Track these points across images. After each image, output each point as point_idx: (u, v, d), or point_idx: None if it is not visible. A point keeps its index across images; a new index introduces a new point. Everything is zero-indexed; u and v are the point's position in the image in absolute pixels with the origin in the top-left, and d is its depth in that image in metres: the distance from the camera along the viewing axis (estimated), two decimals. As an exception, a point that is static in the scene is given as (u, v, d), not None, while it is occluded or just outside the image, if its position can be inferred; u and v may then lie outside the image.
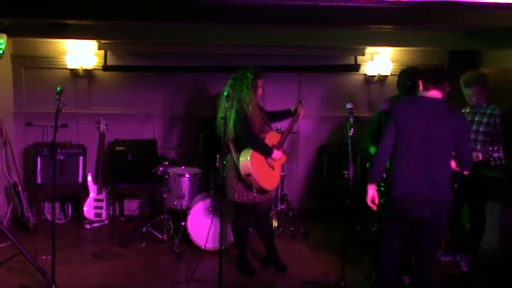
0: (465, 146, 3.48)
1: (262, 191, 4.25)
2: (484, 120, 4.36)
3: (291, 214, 5.59)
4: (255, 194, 4.24)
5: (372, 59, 6.08)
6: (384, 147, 3.49)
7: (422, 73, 3.54)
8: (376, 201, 3.58)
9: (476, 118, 4.42)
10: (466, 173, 3.58)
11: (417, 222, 3.45)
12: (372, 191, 3.56)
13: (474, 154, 3.72)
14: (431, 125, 3.36)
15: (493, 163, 3.68)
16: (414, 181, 3.38)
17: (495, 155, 3.64)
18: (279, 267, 4.46)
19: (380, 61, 6.02)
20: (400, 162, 3.44)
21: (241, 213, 4.39)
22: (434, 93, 3.43)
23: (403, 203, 3.42)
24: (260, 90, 4.30)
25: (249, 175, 4.14)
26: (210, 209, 4.80)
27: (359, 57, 6.06)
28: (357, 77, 6.21)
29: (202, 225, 4.79)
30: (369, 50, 5.97)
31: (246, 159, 4.14)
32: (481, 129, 4.36)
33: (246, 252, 4.51)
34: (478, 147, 4.30)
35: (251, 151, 4.16)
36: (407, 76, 4.06)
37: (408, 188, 3.39)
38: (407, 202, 3.41)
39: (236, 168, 4.22)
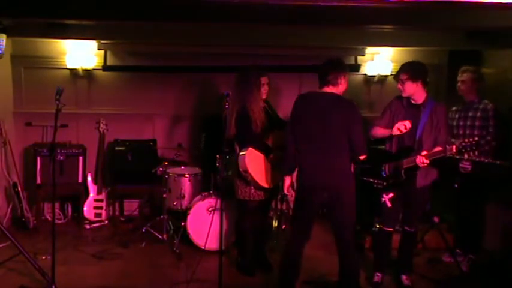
0: (355, 135, 3.62)
1: (259, 187, 4.27)
2: (478, 114, 4.40)
3: (291, 214, 5.58)
4: (253, 191, 4.26)
5: (372, 59, 6.08)
6: (290, 142, 3.78)
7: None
8: (292, 192, 3.87)
9: (470, 114, 4.46)
10: (361, 158, 3.72)
11: (319, 207, 3.82)
12: (288, 181, 3.89)
13: (448, 147, 3.69)
14: (324, 117, 3.62)
15: (466, 156, 3.66)
16: (312, 169, 3.67)
17: (468, 146, 3.59)
18: (266, 267, 4.48)
19: (380, 61, 6.02)
20: (301, 153, 3.73)
21: (245, 212, 4.39)
22: (326, 89, 3.70)
23: (304, 189, 3.74)
24: (265, 87, 4.34)
25: (245, 171, 4.19)
26: (210, 209, 4.79)
27: (359, 57, 6.06)
28: (357, 77, 6.20)
29: (202, 225, 4.78)
30: (369, 50, 5.97)
31: (243, 155, 4.20)
32: (476, 123, 4.39)
33: (247, 252, 4.51)
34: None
35: (249, 148, 4.21)
36: None
37: (308, 176, 3.70)
38: (307, 188, 3.72)
39: (238, 166, 4.26)
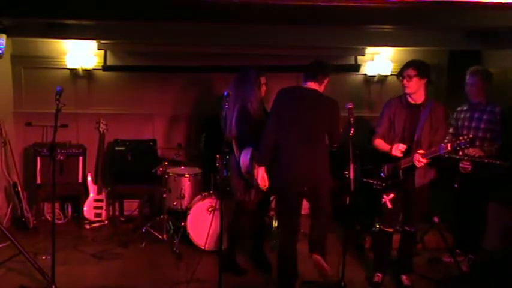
0: (335, 130, 3.87)
1: (260, 188, 4.26)
2: (485, 117, 4.37)
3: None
4: (253, 192, 4.25)
5: (372, 59, 6.08)
6: (268, 132, 3.89)
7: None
8: (266, 183, 3.94)
9: (476, 115, 4.42)
10: (335, 145, 3.97)
11: (301, 196, 3.91)
12: (261, 172, 3.95)
13: (443, 145, 3.68)
14: (311, 111, 3.82)
15: (460, 152, 3.66)
16: (300, 160, 3.79)
17: (462, 143, 3.58)
18: (265, 267, 4.46)
19: (380, 61, 6.02)
20: (281, 146, 3.85)
21: (241, 212, 4.37)
22: (311, 85, 3.89)
23: (287, 181, 3.85)
24: (264, 87, 4.36)
25: (248, 172, 4.17)
26: (210, 209, 4.79)
27: (359, 57, 6.06)
28: (357, 77, 6.21)
29: (202, 226, 4.78)
30: (369, 50, 5.96)
31: (247, 157, 4.17)
32: (482, 125, 4.36)
33: (234, 253, 4.47)
34: (477, 143, 4.30)
35: (251, 149, 4.18)
36: None
37: (288, 167, 3.81)
38: (288, 179, 3.84)
39: (238, 166, 4.23)
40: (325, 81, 3.94)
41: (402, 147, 3.88)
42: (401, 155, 3.90)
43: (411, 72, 3.88)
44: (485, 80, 4.44)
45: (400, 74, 3.96)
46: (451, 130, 4.55)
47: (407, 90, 3.93)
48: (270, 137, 3.88)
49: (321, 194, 3.87)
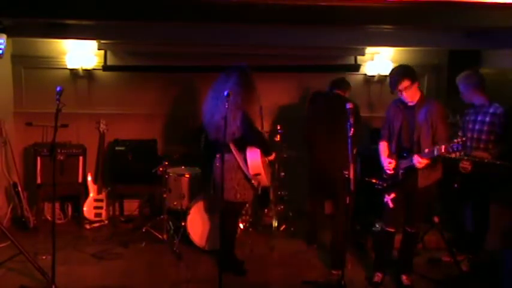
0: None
1: (262, 187, 4.34)
2: (487, 119, 4.35)
3: (291, 214, 5.59)
4: (252, 192, 4.26)
5: (372, 59, 6.08)
6: (308, 131, 4.77)
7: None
8: None
9: (480, 118, 4.40)
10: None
11: (332, 182, 4.41)
12: None
13: (437, 147, 3.65)
14: (329, 110, 4.58)
15: (453, 155, 3.64)
16: (324, 152, 4.52)
17: (455, 146, 3.55)
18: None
19: (380, 61, 6.02)
20: (315, 139, 4.68)
21: (234, 212, 4.34)
22: (337, 91, 4.82)
23: (319, 167, 4.63)
24: None
25: (258, 174, 4.16)
26: (210, 209, 4.79)
27: (359, 57, 6.05)
28: (357, 77, 6.20)
29: (202, 226, 4.79)
30: (369, 50, 5.96)
31: (257, 159, 4.15)
32: (485, 128, 4.34)
33: (233, 253, 4.47)
34: (482, 145, 4.30)
35: (259, 150, 4.18)
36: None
37: (321, 157, 4.57)
38: (321, 167, 4.58)
39: (238, 168, 4.20)
40: (348, 92, 4.88)
41: (391, 164, 4.04)
42: (391, 171, 4.02)
43: (405, 83, 3.85)
44: (473, 84, 4.43)
45: (394, 88, 3.92)
46: (460, 133, 4.52)
47: (411, 101, 3.92)
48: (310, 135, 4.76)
49: (340, 185, 4.03)
